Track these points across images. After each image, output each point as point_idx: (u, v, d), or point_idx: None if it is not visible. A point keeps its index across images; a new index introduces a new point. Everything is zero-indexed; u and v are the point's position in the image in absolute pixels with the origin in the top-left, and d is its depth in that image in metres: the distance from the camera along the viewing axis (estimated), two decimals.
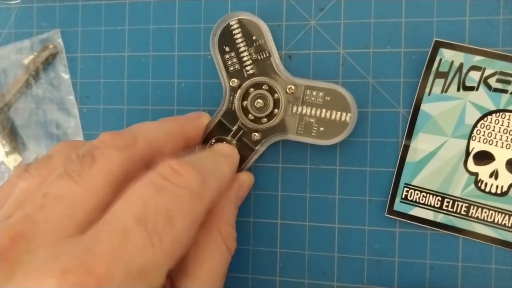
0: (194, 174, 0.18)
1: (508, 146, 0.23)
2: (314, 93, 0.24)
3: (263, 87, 0.24)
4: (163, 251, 0.16)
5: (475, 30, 0.23)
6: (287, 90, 0.24)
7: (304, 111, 0.24)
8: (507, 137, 0.23)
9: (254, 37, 0.24)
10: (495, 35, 0.23)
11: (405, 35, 0.24)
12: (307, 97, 0.24)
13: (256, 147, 0.25)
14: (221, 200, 0.23)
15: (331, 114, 0.23)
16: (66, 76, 0.29)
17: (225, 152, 0.24)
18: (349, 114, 0.23)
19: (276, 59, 0.24)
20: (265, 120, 0.24)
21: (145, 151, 0.20)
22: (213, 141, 0.25)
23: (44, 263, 0.14)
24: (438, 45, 0.23)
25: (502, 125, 0.23)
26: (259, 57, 0.24)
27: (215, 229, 0.22)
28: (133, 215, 0.16)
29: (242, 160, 0.25)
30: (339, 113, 0.23)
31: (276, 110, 0.24)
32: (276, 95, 0.24)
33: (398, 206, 0.24)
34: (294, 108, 0.24)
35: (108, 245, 0.15)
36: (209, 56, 0.26)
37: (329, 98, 0.24)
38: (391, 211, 0.24)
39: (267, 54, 0.24)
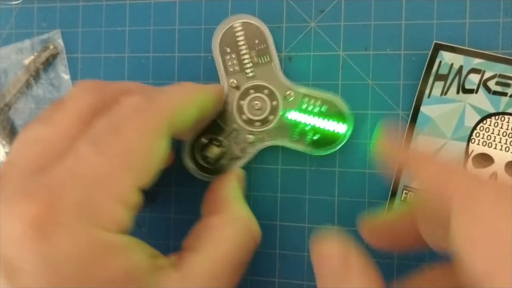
0: (137, 94, 0.19)
1: (507, 148, 0.23)
2: (312, 102, 0.24)
3: (262, 91, 0.24)
4: (116, 157, 0.17)
5: (475, 33, 0.23)
6: (285, 96, 0.24)
7: (299, 119, 0.24)
8: (506, 139, 0.23)
9: (256, 41, 0.24)
10: (494, 37, 0.23)
11: (405, 37, 0.24)
12: (304, 105, 0.24)
13: (249, 150, 0.25)
14: (226, 193, 0.23)
15: (326, 124, 0.24)
16: (66, 76, 0.29)
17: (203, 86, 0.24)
18: (344, 126, 0.23)
19: (276, 64, 0.24)
20: (259, 123, 0.24)
21: (117, 94, 0.20)
22: (206, 141, 0.25)
23: (13, 193, 0.17)
24: (438, 48, 0.23)
25: (501, 127, 0.23)
26: (260, 61, 0.24)
27: (232, 214, 0.22)
28: (85, 138, 0.18)
29: (234, 161, 0.25)
30: (334, 123, 0.24)
31: (271, 117, 0.24)
32: (274, 101, 0.24)
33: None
34: (290, 115, 0.24)
35: (64, 166, 0.17)
36: (209, 57, 0.26)
37: (325, 108, 0.24)
38: None
39: (268, 59, 0.24)
